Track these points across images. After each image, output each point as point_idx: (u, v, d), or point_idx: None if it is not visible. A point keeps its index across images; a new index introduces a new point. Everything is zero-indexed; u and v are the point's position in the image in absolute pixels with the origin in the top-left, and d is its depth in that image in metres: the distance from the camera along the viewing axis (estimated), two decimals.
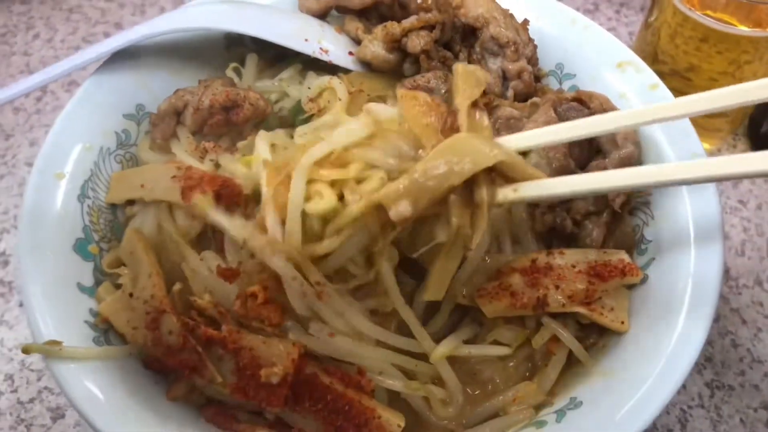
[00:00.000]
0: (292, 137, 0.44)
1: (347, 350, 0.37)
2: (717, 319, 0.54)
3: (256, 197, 0.39)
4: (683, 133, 0.44)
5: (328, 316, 0.37)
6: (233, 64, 0.48)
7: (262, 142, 0.41)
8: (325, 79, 0.45)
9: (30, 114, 0.66)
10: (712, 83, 0.52)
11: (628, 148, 0.42)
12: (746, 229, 0.58)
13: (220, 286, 0.37)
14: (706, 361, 0.52)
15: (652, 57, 0.54)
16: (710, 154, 0.61)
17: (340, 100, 0.44)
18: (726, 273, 0.56)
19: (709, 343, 0.53)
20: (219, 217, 0.38)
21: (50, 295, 0.37)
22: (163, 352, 0.36)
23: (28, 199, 0.40)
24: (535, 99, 0.45)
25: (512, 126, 0.44)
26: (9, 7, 0.75)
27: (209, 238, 0.40)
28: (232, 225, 0.38)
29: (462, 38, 0.50)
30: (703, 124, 0.56)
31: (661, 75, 0.47)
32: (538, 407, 0.39)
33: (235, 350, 0.36)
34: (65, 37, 0.72)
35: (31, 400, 0.50)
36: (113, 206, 0.44)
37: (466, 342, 0.40)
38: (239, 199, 0.39)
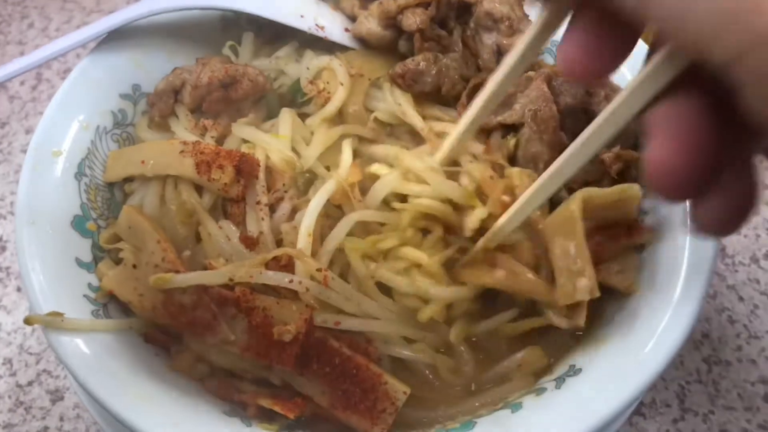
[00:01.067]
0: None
1: (353, 325, 0.38)
2: (713, 296, 0.54)
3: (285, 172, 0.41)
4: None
5: (335, 300, 0.37)
6: (230, 43, 0.48)
7: (287, 121, 0.43)
8: (324, 60, 0.45)
9: (25, 102, 0.66)
10: None
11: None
12: None
13: (237, 252, 0.38)
14: (703, 337, 0.52)
15: None
16: None
17: (341, 84, 0.44)
18: (722, 251, 0.56)
19: (706, 319, 0.53)
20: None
21: (49, 269, 0.37)
22: (174, 312, 0.36)
23: (25, 175, 0.40)
24: (529, 73, 0.45)
25: (505, 102, 0.44)
26: None
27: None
28: (250, 217, 0.40)
29: (457, 15, 0.50)
30: None
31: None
32: (538, 374, 0.39)
33: (248, 310, 0.36)
34: (60, 26, 0.72)
35: (30, 383, 0.50)
36: (110, 185, 0.44)
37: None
38: (256, 171, 0.40)
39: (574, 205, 0.38)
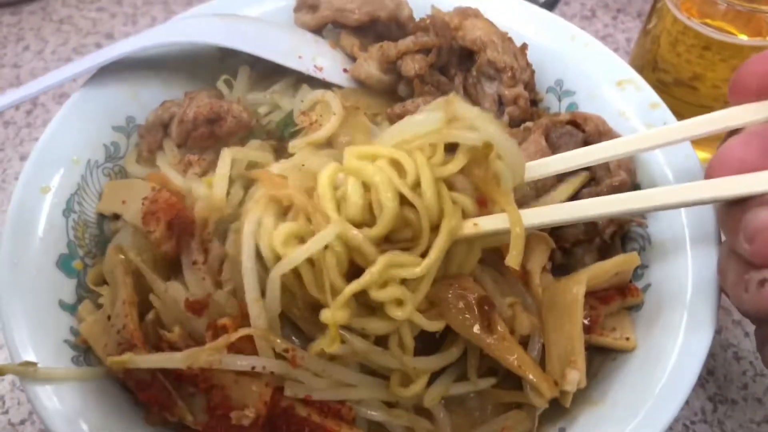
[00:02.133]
0: (277, 151, 0.43)
1: (327, 396, 0.35)
2: (719, 331, 0.53)
3: (212, 223, 0.38)
4: (684, 157, 0.42)
5: (304, 377, 0.35)
6: (224, 77, 0.47)
7: (225, 160, 0.40)
8: (319, 93, 0.44)
9: (20, 127, 0.65)
10: (716, 90, 0.52)
11: (620, 175, 0.41)
12: None
13: (189, 318, 0.36)
14: (708, 374, 0.51)
15: (652, 65, 0.53)
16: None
17: (334, 114, 0.42)
18: None
19: (711, 355, 0.52)
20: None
21: (30, 313, 0.36)
22: (133, 385, 0.35)
23: (11, 214, 0.39)
24: (527, 124, 0.44)
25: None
26: None
27: None
28: (189, 278, 0.37)
29: (458, 61, 0.49)
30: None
31: (664, 84, 0.46)
32: None
33: (207, 389, 0.34)
34: (56, 48, 0.72)
35: (23, 422, 0.49)
36: (100, 221, 0.43)
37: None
38: (192, 229, 0.37)
39: (578, 288, 0.37)
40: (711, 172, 0.31)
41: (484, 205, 0.35)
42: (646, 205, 0.31)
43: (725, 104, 0.52)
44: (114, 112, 0.46)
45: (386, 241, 0.34)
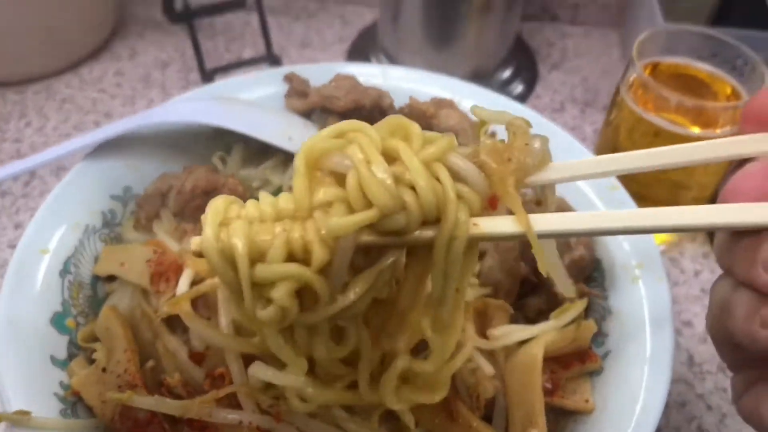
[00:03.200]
0: None
1: None
2: (683, 404, 0.55)
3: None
4: (642, 240, 0.46)
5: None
6: (219, 153, 0.51)
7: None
8: None
9: (17, 197, 0.68)
10: (662, 173, 0.56)
11: (579, 251, 0.45)
12: None
13: (190, 367, 0.38)
14: None
15: (612, 150, 0.58)
16: (668, 245, 0.64)
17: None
18: (690, 359, 0.58)
19: (676, 429, 0.54)
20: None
21: (23, 367, 0.38)
22: (129, 427, 0.37)
23: (11, 272, 0.41)
24: None
25: None
26: (4, 95, 0.78)
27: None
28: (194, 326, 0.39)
29: None
30: None
31: None
32: None
33: (200, 428, 0.36)
34: (57, 125, 0.75)
35: None
36: (94, 283, 0.45)
37: None
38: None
39: (536, 349, 0.40)
40: (724, 199, 0.29)
41: (494, 206, 0.31)
42: (663, 224, 0.29)
43: (666, 189, 0.57)
44: (113, 182, 0.49)
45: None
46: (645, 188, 0.54)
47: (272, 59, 0.80)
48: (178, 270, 0.39)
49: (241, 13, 0.88)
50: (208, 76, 0.78)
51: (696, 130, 0.55)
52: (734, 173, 0.30)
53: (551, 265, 0.32)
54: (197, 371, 0.37)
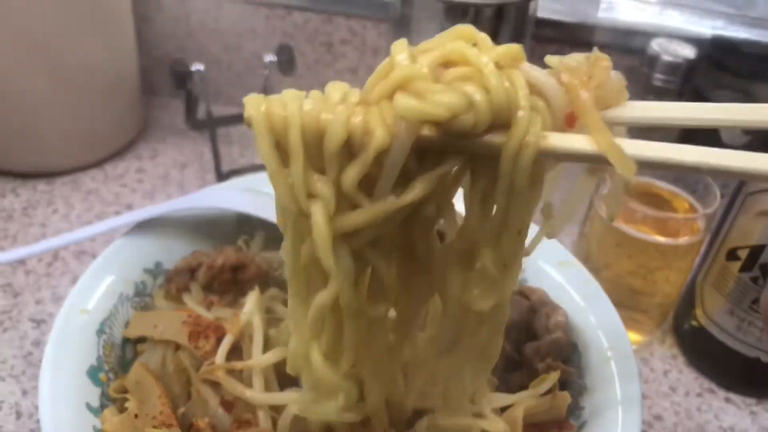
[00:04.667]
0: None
1: None
2: None
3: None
4: (613, 327, 0.52)
5: None
6: (243, 237, 0.57)
7: (252, 298, 0.49)
8: None
9: (40, 276, 0.73)
10: (620, 279, 0.64)
11: (557, 333, 0.51)
12: (677, 412, 0.65)
13: (220, 413, 0.43)
14: None
15: (585, 258, 0.65)
16: (639, 346, 0.70)
17: None
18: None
19: None
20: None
21: (62, 409, 0.42)
22: None
23: (57, 326, 0.47)
24: None
25: None
26: (35, 185, 0.85)
27: None
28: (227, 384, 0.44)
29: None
30: (627, 320, 0.66)
31: (591, 270, 0.57)
32: None
33: None
34: (81, 214, 0.82)
35: None
36: (123, 344, 0.50)
37: None
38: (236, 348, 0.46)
39: (517, 412, 0.45)
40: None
41: (571, 124, 0.29)
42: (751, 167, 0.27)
43: (630, 296, 0.64)
44: (146, 257, 0.55)
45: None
46: (610, 294, 0.61)
47: None
48: (217, 330, 0.45)
49: None
50: (223, 177, 0.86)
51: (660, 238, 0.63)
52: None
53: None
54: (226, 417, 0.42)
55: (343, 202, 0.29)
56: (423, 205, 0.29)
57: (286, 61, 0.86)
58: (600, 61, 0.29)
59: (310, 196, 0.29)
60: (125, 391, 0.46)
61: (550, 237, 0.34)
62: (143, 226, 0.56)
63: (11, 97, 0.79)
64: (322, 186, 0.28)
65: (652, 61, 0.79)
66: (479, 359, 0.37)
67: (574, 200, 0.34)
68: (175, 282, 0.53)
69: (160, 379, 0.46)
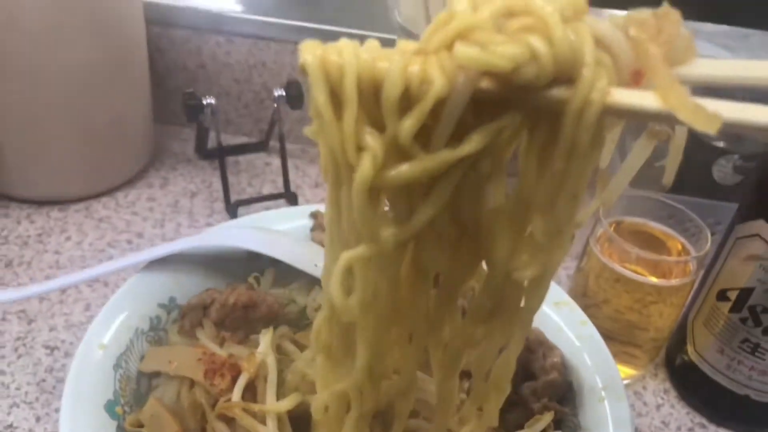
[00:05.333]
0: (295, 333, 0.55)
1: None
2: None
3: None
4: (607, 368, 0.55)
5: None
6: (254, 274, 0.60)
7: (265, 339, 0.52)
8: None
9: (53, 303, 0.76)
10: (619, 314, 0.66)
11: (553, 374, 0.53)
12: None
13: None
14: None
15: (582, 293, 0.68)
16: (633, 380, 0.72)
17: None
18: None
19: None
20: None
21: None
22: None
23: (77, 361, 0.49)
24: None
25: None
26: (48, 212, 0.88)
27: None
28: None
29: None
30: (621, 354, 0.68)
31: (588, 305, 0.60)
32: None
33: None
34: (93, 241, 0.84)
35: None
36: (138, 378, 0.52)
37: None
38: (251, 385, 0.49)
39: None
40: None
41: (638, 82, 0.27)
42: None
43: (625, 330, 0.66)
44: (160, 293, 0.57)
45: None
46: (605, 330, 0.63)
47: (290, 196, 0.91)
48: (232, 368, 0.47)
49: (262, 154, 1.01)
50: (232, 206, 0.89)
51: (654, 279, 0.66)
52: None
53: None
54: None
55: (396, 156, 0.28)
56: (479, 160, 0.28)
57: (295, 96, 0.88)
58: (670, 15, 0.27)
59: (360, 149, 0.28)
60: (140, 425, 0.48)
61: (605, 206, 0.33)
62: (158, 262, 0.59)
63: (27, 127, 0.82)
64: (372, 139, 0.27)
65: None
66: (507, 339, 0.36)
67: (630, 166, 0.32)
68: (188, 318, 0.55)
69: (175, 413, 0.48)
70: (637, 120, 0.29)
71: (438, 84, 0.25)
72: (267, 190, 0.95)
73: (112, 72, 0.84)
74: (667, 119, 0.25)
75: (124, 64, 0.87)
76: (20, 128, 0.82)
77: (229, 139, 1.02)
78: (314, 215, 0.65)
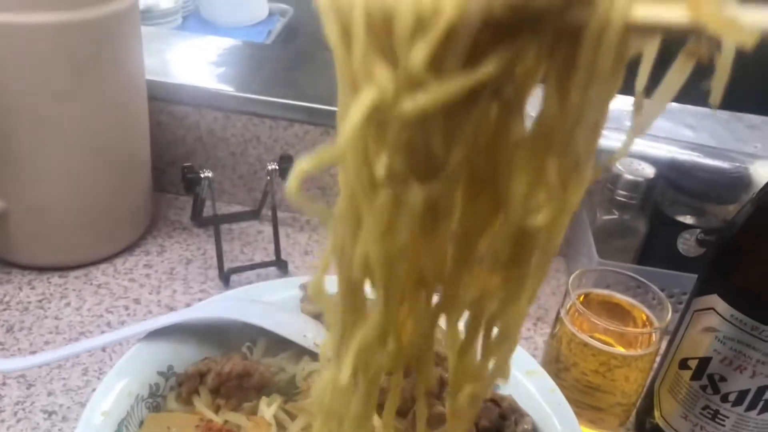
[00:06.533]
0: (285, 402, 0.59)
1: None
2: None
3: None
4: (573, 430, 0.59)
5: None
6: (247, 344, 0.64)
7: (265, 405, 0.56)
8: (316, 365, 0.61)
9: (52, 368, 0.79)
10: (587, 378, 0.70)
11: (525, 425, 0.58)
12: None
13: None
14: None
15: (555, 358, 0.72)
16: None
17: None
18: None
19: None
20: None
21: None
22: None
23: (81, 427, 0.52)
24: None
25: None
26: (49, 278, 0.92)
27: None
28: None
29: None
30: (593, 416, 0.72)
31: (560, 369, 0.64)
32: None
33: None
34: (92, 307, 0.88)
35: None
36: None
37: None
38: None
39: None
40: None
41: None
42: None
43: (592, 397, 0.70)
44: (159, 361, 0.61)
45: None
46: (576, 394, 0.67)
47: (280, 263, 0.96)
48: None
49: (255, 222, 1.06)
50: (225, 274, 0.93)
51: (621, 349, 0.70)
52: None
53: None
54: None
55: (409, 88, 0.26)
56: (500, 88, 0.26)
57: (287, 169, 0.94)
58: None
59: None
60: None
61: (638, 134, 0.30)
62: (157, 332, 0.63)
63: (31, 195, 0.87)
64: (381, 71, 0.26)
65: (616, 178, 0.89)
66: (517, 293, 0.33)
67: (668, 89, 0.30)
68: (186, 386, 0.59)
69: None
70: (666, 37, 0.25)
71: (449, 10, 0.24)
72: (259, 257, 1.00)
73: (116, 144, 0.90)
74: (699, 33, 0.23)
75: (128, 137, 0.92)
76: (24, 199, 0.87)
77: (224, 208, 1.07)
78: (304, 286, 0.69)
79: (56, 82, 0.80)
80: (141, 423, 0.57)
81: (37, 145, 0.84)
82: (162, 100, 1.03)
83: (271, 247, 0.98)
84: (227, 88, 1.04)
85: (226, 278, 0.93)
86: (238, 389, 0.58)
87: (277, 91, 1.03)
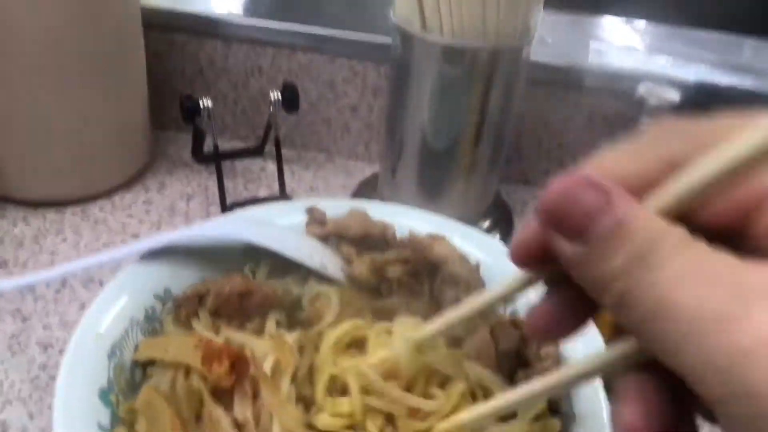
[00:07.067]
0: (289, 321, 0.55)
1: None
2: None
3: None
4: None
5: None
6: (249, 265, 0.60)
7: (273, 324, 0.53)
8: (323, 287, 0.57)
9: (48, 302, 0.75)
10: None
11: (548, 362, 0.53)
12: None
13: None
14: None
15: None
16: None
17: (331, 308, 0.55)
18: None
19: None
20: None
21: (74, 428, 0.44)
22: None
23: (71, 349, 0.49)
24: (477, 321, 0.57)
25: (454, 342, 0.55)
26: (44, 213, 0.88)
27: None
28: (238, 407, 0.47)
29: (427, 272, 0.63)
30: None
31: None
32: None
33: None
34: (89, 242, 0.84)
35: None
36: (132, 367, 0.52)
37: None
38: (248, 369, 0.48)
39: None
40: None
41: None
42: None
43: None
44: (156, 284, 0.57)
45: None
46: None
47: (285, 199, 0.91)
48: (230, 354, 0.47)
49: (258, 159, 1.02)
50: (228, 208, 0.89)
51: None
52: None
53: None
54: None
55: None
56: None
57: (290, 99, 0.89)
58: None
59: None
60: (136, 413, 0.48)
61: None
62: (153, 254, 0.59)
63: (24, 129, 0.83)
64: None
65: (639, 104, 0.83)
66: None
67: None
68: (184, 308, 0.55)
69: (170, 401, 0.48)
70: None
71: None
72: (263, 194, 0.95)
73: (110, 75, 0.85)
74: None
75: (122, 67, 0.87)
76: (17, 131, 0.83)
77: (226, 144, 1.03)
78: (310, 210, 0.65)
79: (43, 10, 0.75)
80: (136, 347, 0.53)
81: (27, 78, 0.79)
82: (159, 28, 0.97)
83: (275, 184, 0.94)
84: (228, 14, 0.98)
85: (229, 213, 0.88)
86: (239, 310, 0.54)
87: (280, 15, 0.97)
